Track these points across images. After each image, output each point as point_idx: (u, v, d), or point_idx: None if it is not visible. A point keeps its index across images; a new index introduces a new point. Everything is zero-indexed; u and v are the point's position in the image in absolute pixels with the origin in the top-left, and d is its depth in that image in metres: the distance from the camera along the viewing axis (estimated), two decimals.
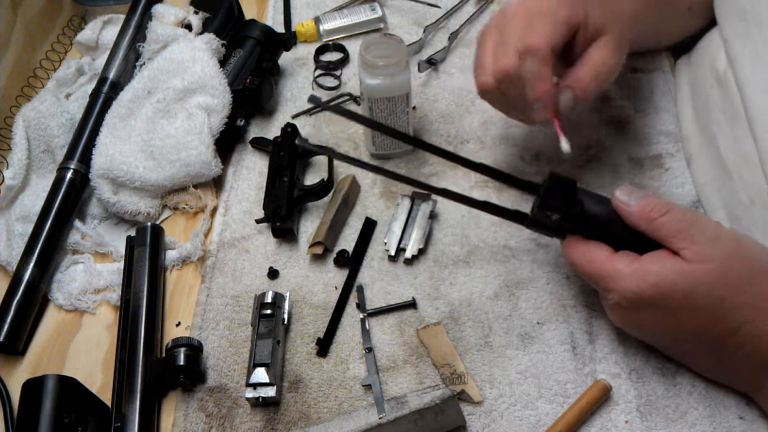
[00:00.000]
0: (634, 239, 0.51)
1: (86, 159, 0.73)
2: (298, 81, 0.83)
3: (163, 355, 0.60)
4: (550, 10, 0.56)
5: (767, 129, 0.56)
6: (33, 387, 0.55)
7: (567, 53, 0.58)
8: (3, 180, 0.73)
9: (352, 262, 0.66)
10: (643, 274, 0.49)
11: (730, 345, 0.50)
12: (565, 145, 0.53)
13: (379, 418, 0.54)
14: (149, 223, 0.68)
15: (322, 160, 0.74)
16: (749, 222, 0.59)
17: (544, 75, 0.55)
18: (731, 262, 0.48)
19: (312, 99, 0.56)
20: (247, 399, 0.56)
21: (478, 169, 0.56)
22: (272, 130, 0.78)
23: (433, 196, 0.66)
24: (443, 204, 0.68)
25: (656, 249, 0.50)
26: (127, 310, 0.63)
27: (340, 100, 0.81)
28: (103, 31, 0.87)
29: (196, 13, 0.82)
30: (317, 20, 0.88)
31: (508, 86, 0.58)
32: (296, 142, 0.64)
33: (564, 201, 0.52)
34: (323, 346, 0.61)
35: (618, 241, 0.52)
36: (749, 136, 0.59)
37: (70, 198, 0.72)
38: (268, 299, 0.61)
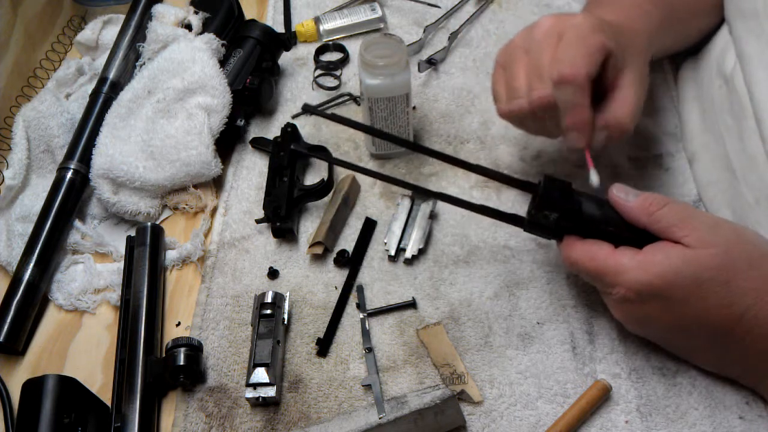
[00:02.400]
0: (633, 235, 0.51)
1: (86, 159, 0.73)
2: (298, 81, 0.84)
3: (163, 355, 0.60)
4: (581, 35, 0.54)
5: None
6: (33, 387, 0.55)
7: (595, 81, 0.56)
8: (3, 180, 0.73)
9: (352, 262, 0.66)
10: (648, 265, 0.49)
11: (736, 332, 0.50)
12: (594, 179, 0.52)
13: (379, 418, 0.54)
14: (149, 223, 0.68)
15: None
16: (754, 222, 0.59)
17: (583, 103, 0.53)
18: (733, 247, 0.49)
19: (305, 107, 0.57)
20: (247, 399, 0.56)
21: (474, 170, 0.56)
22: (272, 130, 0.78)
23: None
24: (443, 204, 0.67)
25: (655, 242, 0.50)
26: (127, 310, 0.63)
27: (340, 100, 0.81)
28: (103, 31, 0.87)
29: (196, 13, 0.82)
30: (317, 20, 0.88)
31: (543, 114, 0.57)
32: (292, 147, 0.64)
33: (561, 199, 0.52)
34: (323, 346, 0.61)
35: (616, 237, 0.52)
36: (756, 137, 0.59)
37: (70, 198, 0.72)
38: (268, 299, 0.61)
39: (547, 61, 0.54)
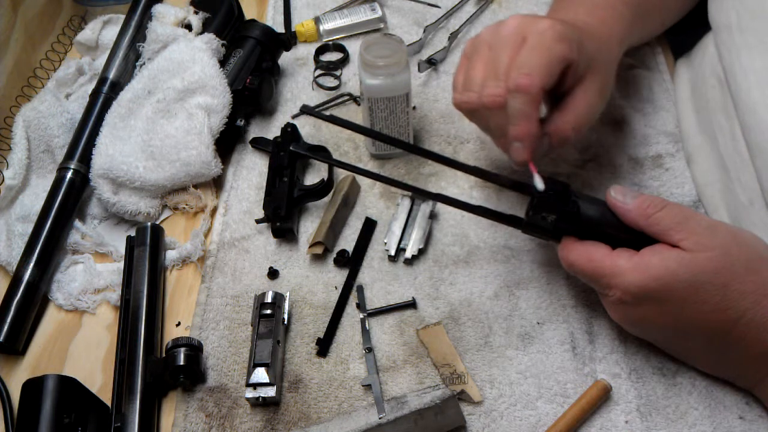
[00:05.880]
0: (630, 237, 0.51)
1: (86, 159, 0.73)
2: (298, 81, 0.84)
3: (163, 355, 0.60)
4: (544, 43, 0.53)
5: (754, 131, 0.57)
6: (33, 387, 0.55)
7: (553, 88, 0.56)
8: (3, 180, 0.73)
9: (352, 262, 0.66)
10: (644, 268, 0.49)
11: (733, 336, 0.50)
12: (539, 185, 0.53)
13: (379, 418, 0.54)
14: (149, 223, 0.68)
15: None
16: (749, 223, 0.59)
17: (531, 116, 0.53)
18: (730, 249, 0.49)
19: (304, 108, 0.57)
20: (247, 399, 0.56)
21: (471, 172, 0.56)
22: (272, 130, 0.78)
23: None
24: (443, 204, 0.67)
25: (653, 245, 0.50)
26: (127, 310, 0.63)
27: (340, 100, 0.81)
28: (103, 31, 0.87)
29: (196, 13, 0.82)
30: (317, 20, 0.88)
31: (490, 114, 0.56)
32: (291, 148, 0.64)
33: (559, 201, 0.52)
34: (323, 346, 0.61)
35: (613, 239, 0.52)
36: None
37: (70, 198, 0.72)
38: (268, 299, 0.61)
39: (505, 62, 0.54)
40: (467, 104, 0.57)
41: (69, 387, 0.56)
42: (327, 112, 0.79)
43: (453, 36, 0.85)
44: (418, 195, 0.57)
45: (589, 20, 0.61)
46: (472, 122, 0.62)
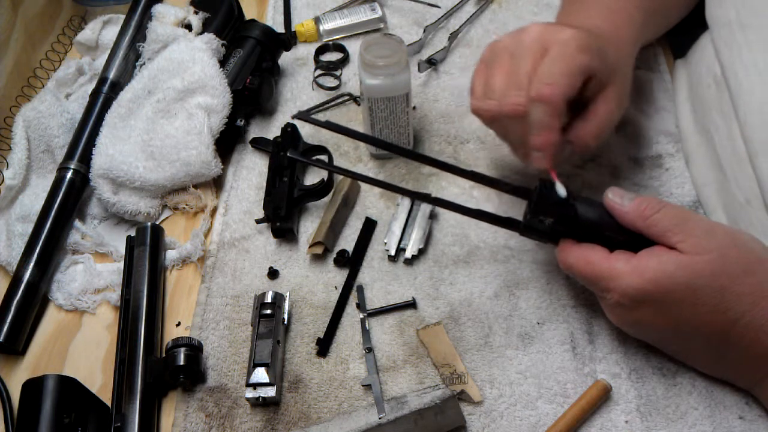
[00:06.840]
0: (628, 239, 0.51)
1: (86, 159, 0.73)
2: (298, 81, 0.84)
3: (163, 355, 0.60)
4: (567, 53, 0.53)
5: (756, 128, 0.57)
6: (33, 387, 0.55)
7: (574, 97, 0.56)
8: (3, 180, 0.73)
9: (352, 262, 0.66)
10: (642, 270, 0.49)
11: (731, 337, 0.50)
12: (561, 191, 0.53)
13: (379, 418, 0.54)
14: (149, 223, 0.68)
15: (321, 159, 0.74)
16: (747, 223, 0.59)
17: (552, 126, 0.53)
18: (728, 252, 0.49)
19: (298, 114, 0.58)
20: (247, 399, 0.57)
21: (468, 176, 0.56)
22: (272, 130, 0.78)
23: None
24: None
25: (650, 247, 0.50)
26: (127, 310, 0.63)
27: (340, 100, 0.81)
28: (103, 31, 0.87)
29: (196, 13, 0.82)
30: (317, 20, 0.88)
31: (510, 123, 0.56)
32: (288, 154, 0.65)
33: (557, 204, 0.52)
34: (323, 346, 0.61)
35: (611, 242, 0.52)
36: None
37: (70, 198, 0.72)
38: (268, 299, 0.61)
39: (526, 71, 0.54)
40: (487, 112, 0.57)
41: (69, 387, 0.56)
42: (326, 113, 0.80)
43: (453, 36, 0.85)
44: (416, 198, 0.56)
45: (604, 26, 0.61)
46: (490, 129, 0.62)
